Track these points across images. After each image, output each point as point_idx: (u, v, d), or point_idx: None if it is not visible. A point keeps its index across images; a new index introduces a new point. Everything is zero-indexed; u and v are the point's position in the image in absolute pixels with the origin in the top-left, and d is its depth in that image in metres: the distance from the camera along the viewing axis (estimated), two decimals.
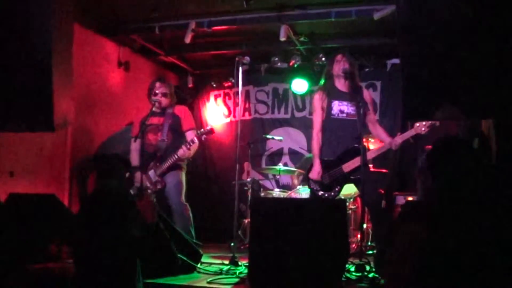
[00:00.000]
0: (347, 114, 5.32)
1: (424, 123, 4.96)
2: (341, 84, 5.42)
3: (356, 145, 5.15)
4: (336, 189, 5.32)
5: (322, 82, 5.59)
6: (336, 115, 5.34)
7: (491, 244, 2.75)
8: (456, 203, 2.93)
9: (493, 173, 3.41)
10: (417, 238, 2.96)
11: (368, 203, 5.32)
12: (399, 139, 5.15)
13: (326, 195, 5.33)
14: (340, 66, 5.36)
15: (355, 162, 5.15)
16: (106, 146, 6.68)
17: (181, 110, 5.96)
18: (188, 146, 5.64)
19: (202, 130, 5.72)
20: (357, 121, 5.16)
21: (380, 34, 7.16)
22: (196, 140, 5.64)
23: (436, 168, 3.22)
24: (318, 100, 5.43)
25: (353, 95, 5.29)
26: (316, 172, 5.32)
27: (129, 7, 6.68)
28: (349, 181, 5.34)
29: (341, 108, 5.34)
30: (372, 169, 5.51)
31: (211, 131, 5.71)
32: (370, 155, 5.32)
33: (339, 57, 5.43)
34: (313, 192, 5.43)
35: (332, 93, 5.40)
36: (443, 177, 3.15)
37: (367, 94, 5.50)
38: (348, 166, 5.23)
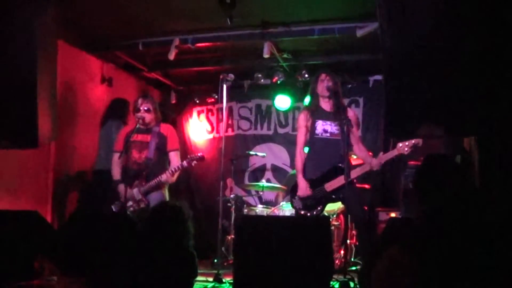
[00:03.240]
0: (331, 133, 5.37)
1: (406, 143, 4.99)
2: (325, 104, 5.48)
3: (339, 164, 5.18)
4: (319, 208, 5.33)
5: (308, 100, 5.65)
6: (319, 134, 5.39)
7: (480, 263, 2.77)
8: (444, 224, 2.95)
9: (478, 192, 3.44)
10: (398, 263, 2.96)
11: (354, 219, 5.35)
12: (382, 160, 5.18)
13: (309, 214, 5.34)
14: (324, 84, 5.41)
15: (338, 182, 5.18)
16: (103, 159, 6.58)
17: (167, 129, 5.94)
18: (172, 172, 5.64)
19: (194, 156, 5.71)
20: (340, 141, 5.20)
21: (363, 50, 7.22)
22: (185, 164, 5.63)
23: (425, 187, 3.24)
24: (302, 119, 5.50)
25: (337, 114, 5.32)
26: (303, 188, 5.34)
27: (113, 24, 6.68)
28: (331, 200, 5.37)
29: (325, 127, 5.39)
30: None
31: (202, 158, 5.70)
32: (352, 176, 5.26)
33: (323, 76, 5.48)
34: (296, 212, 5.46)
35: (316, 113, 5.46)
36: (432, 196, 3.17)
37: (352, 113, 5.52)
38: (330, 186, 5.26)
